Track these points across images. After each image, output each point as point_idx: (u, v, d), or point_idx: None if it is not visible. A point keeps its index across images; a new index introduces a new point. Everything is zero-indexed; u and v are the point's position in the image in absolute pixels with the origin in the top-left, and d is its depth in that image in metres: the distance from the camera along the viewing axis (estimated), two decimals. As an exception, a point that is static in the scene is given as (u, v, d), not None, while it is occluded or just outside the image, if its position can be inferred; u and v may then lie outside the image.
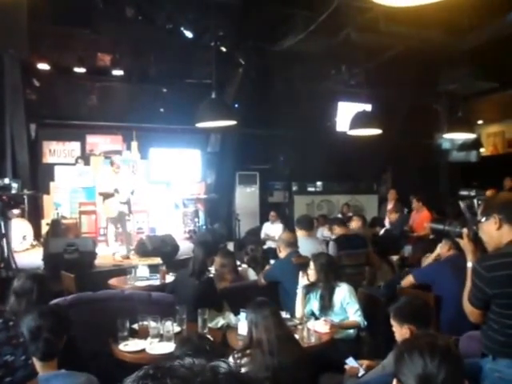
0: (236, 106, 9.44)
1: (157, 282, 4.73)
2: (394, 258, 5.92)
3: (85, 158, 9.65)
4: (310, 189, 12.04)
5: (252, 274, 4.95)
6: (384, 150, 10.52)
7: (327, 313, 3.58)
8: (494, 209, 2.18)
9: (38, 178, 9.23)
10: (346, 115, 9.53)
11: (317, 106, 10.28)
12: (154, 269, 5.03)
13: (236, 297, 3.84)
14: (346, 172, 11.23)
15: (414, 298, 2.82)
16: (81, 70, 9.19)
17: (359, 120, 7.45)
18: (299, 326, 3.30)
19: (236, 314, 3.47)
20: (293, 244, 4.32)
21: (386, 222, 8.14)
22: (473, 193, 2.67)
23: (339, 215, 9.81)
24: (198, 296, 3.60)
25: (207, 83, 8.44)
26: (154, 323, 3.08)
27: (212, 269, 4.42)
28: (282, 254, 4.30)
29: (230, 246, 8.22)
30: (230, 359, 2.52)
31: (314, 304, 3.69)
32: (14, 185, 6.11)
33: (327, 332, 3.30)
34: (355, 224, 6.15)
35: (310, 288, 3.69)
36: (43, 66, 9.01)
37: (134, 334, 3.15)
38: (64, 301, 3.55)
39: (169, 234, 7.36)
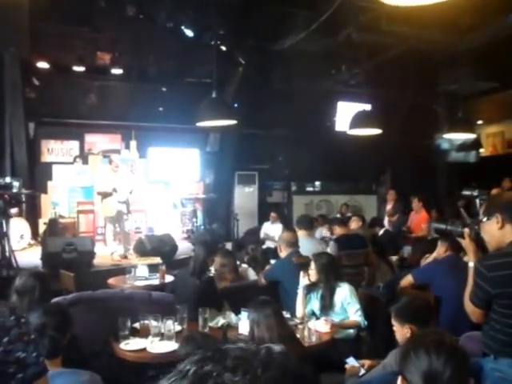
0: (235, 105, 9.42)
1: (156, 282, 4.72)
2: (394, 258, 5.93)
3: (83, 156, 9.59)
4: (309, 189, 12.06)
5: (252, 274, 4.94)
6: (383, 150, 10.51)
7: (328, 313, 3.57)
8: (497, 208, 2.17)
9: (36, 176, 9.16)
10: (345, 115, 9.52)
11: (316, 106, 10.27)
12: (152, 268, 5.02)
13: (236, 297, 3.83)
14: (345, 172, 11.22)
15: (415, 298, 2.83)
16: (80, 68, 9.17)
17: (359, 120, 7.44)
18: (300, 326, 3.30)
19: (236, 313, 3.46)
20: (294, 244, 4.30)
21: (386, 223, 8.15)
22: (475, 193, 2.67)
23: (338, 215, 9.82)
24: (199, 295, 3.60)
25: (207, 82, 8.45)
26: (155, 322, 3.07)
27: (212, 269, 4.41)
28: (283, 253, 4.29)
29: (229, 246, 8.22)
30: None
31: (315, 304, 3.68)
32: (15, 183, 6.09)
33: (328, 332, 3.30)
34: (355, 224, 6.17)
35: (310, 288, 3.68)
36: (43, 65, 8.99)
37: (135, 332, 3.14)
38: (64, 300, 3.53)
39: (168, 234, 7.35)
